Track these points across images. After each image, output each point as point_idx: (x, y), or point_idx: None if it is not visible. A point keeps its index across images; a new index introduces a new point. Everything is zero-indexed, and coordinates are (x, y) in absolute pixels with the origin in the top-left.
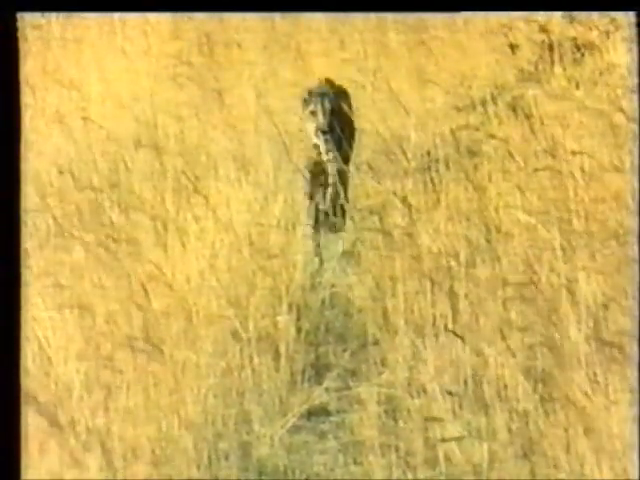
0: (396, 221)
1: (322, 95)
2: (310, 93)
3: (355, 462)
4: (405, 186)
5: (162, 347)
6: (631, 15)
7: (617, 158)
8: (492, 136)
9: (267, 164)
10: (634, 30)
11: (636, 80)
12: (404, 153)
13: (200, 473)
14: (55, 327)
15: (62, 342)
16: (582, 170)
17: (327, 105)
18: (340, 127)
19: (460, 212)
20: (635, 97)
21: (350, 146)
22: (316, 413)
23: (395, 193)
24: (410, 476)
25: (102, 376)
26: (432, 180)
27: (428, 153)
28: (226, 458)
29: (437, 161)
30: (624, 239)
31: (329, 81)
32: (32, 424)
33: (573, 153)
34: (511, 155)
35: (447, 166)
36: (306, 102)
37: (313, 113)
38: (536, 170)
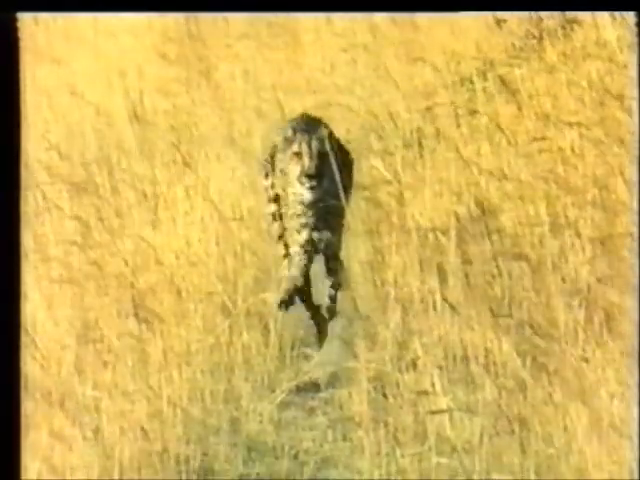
0: (386, 196)
1: (308, 133)
2: (294, 130)
3: (344, 438)
4: (395, 161)
5: (151, 323)
6: (631, 15)
7: (606, 133)
8: (481, 112)
9: (256, 139)
10: (634, 30)
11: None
12: (394, 129)
13: (189, 449)
14: (44, 303)
15: (52, 318)
16: (572, 145)
17: (315, 145)
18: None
19: (450, 187)
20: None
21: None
22: (305, 389)
23: (385, 168)
24: (399, 452)
25: (91, 352)
26: (422, 155)
27: (418, 129)
28: (215, 434)
29: (426, 137)
30: (614, 215)
31: (306, 116)
32: (23, 400)
33: (562, 128)
34: (501, 130)
35: (437, 142)
36: (288, 141)
37: (297, 154)
38: (527, 144)
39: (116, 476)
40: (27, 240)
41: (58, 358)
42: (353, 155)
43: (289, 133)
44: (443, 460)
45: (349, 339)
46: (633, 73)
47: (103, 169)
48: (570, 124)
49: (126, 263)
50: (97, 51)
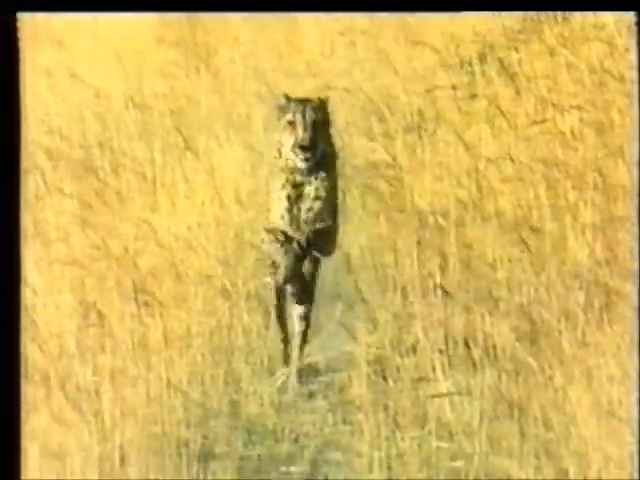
0: (385, 180)
1: (303, 102)
2: (287, 99)
3: (344, 421)
4: (394, 145)
5: (152, 306)
6: (631, 15)
7: (606, 116)
8: (481, 95)
9: (257, 123)
10: (634, 30)
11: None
12: (394, 112)
13: (189, 432)
14: (45, 286)
15: (52, 301)
16: (571, 128)
17: (309, 114)
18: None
19: (450, 171)
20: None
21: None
22: (305, 372)
23: (384, 152)
24: (399, 435)
25: (91, 335)
26: (421, 139)
27: (418, 111)
28: (215, 417)
29: (426, 120)
30: (614, 198)
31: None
32: (23, 383)
33: (562, 111)
34: (501, 113)
35: (436, 125)
36: (282, 109)
37: (291, 124)
38: (526, 127)
39: (116, 459)
40: (27, 223)
41: (58, 341)
42: (353, 138)
43: (282, 101)
44: (443, 444)
45: (349, 323)
46: (633, 57)
47: (103, 152)
48: (570, 107)
49: (126, 246)
50: (97, 34)
